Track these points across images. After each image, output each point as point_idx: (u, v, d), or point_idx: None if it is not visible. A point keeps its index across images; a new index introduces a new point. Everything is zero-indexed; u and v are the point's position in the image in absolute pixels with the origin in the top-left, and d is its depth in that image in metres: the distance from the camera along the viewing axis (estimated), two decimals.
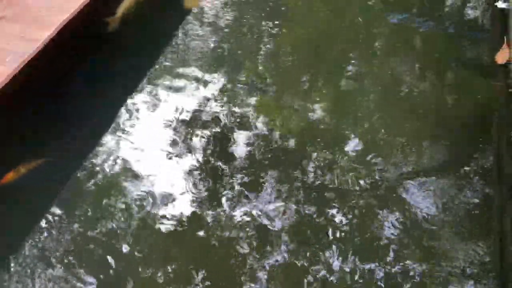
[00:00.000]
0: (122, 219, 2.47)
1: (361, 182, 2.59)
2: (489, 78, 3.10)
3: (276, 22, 3.64)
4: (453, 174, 2.63)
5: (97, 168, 2.72)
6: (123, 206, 2.53)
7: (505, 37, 3.22)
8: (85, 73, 3.26)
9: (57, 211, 2.51)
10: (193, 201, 2.57)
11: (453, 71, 3.29)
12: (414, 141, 2.80)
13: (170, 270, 2.27)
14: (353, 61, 3.32)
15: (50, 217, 2.47)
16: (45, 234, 2.39)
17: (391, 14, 3.63)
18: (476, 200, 2.49)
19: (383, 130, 2.88)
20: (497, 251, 2.25)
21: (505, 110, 2.84)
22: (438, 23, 3.57)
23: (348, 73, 3.25)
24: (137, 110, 3.09)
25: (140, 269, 2.26)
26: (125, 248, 2.33)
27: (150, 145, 2.88)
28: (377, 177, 2.61)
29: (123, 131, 2.95)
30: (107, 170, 2.72)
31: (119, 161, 2.77)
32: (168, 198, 2.57)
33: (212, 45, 3.53)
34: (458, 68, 3.28)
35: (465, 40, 3.48)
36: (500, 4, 3.49)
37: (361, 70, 3.26)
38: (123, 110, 3.08)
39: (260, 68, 3.36)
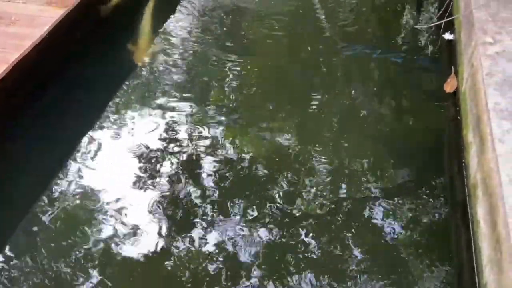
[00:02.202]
0: (85, 250, 2.41)
1: (327, 205, 2.68)
2: (439, 106, 3.30)
3: (239, 53, 3.74)
4: (412, 196, 2.77)
5: (59, 199, 2.65)
6: (86, 237, 2.47)
7: (452, 67, 3.44)
8: (41, 106, 3.20)
9: (18, 240, 2.44)
10: (159, 231, 2.54)
11: (407, 98, 3.48)
12: (375, 165, 2.92)
13: None
14: (314, 89, 3.45)
15: (8, 249, 2.40)
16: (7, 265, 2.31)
17: (347, 45, 3.81)
18: (433, 221, 2.63)
19: (345, 155, 3.00)
20: (455, 271, 2.37)
21: (454, 136, 3.02)
22: (392, 52, 3.78)
23: (310, 101, 3.36)
24: (100, 140, 3.06)
25: None
26: (89, 282, 2.27)
27: (114, 173, 2.85)
28: (342, 200, 2.71)
29: (86, 160, 2.91)
30: (69, 200, 2.65)
31: (81, 190, 2.71)
32: (133, 229, 2.54)
33: (177, 75, 3.57)
34: (412, 95, 3.47)
35: (416, 69, 3.70)
36: (447, 36, 3.73)
37: (322, 97, 3.38)
38: (85, 139, 3.04)
39: (226, 96, 3.42)
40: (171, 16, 4.09)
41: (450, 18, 3.50)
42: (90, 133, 3.08)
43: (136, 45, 3.67)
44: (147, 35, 3.73)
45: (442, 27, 3.70)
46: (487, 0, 3.28)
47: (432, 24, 3.83)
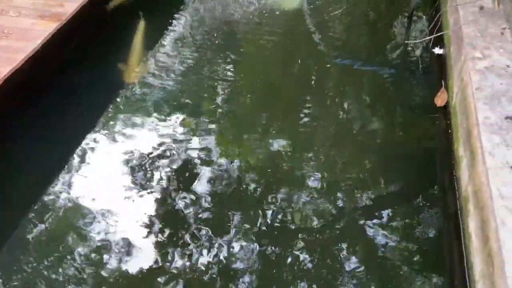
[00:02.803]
0: (76, 263, 2.40)
1: (319, 217, 2.68)
2: (430, 119, 3.33)
3: (232, 67, 3.78)
4: (404, 210, 2.78)
5: (49, 210, 2.65)
6: (76, 250, 2.45)
7: (442, 81, 3.48)
8: (34, 116, 3.19)
9: (9, 251, 2.44)
10: (152, 243, 2.53)
11: (398, 111, 3.51)
12: (367, 178, 2.93)
13: None
14: (307, 102, 3.47)
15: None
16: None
17: (339, 58, 3.85)
18: (425, 235, 2.64)
19: (337, 167, 3.01)
20: (448, 286, 2.37)
21: (445, 149, 3.04)
22: (383, 66, 3.82)
23: (303, 113, 3.38)
24: (92, 150, 3.06)
25: None
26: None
27: (107, 183, 2.86)
28: (335, 212, 2.72)
29: (78, 170, 2.91)
30: (59, 212, 2.65)
31: (72, 202, 2.71)
32: (125, 241, 2.52)
33: (170, 89, 3.58)
34: (403, 108, 3.50)
35: (408, 82, 3.74)
36: (437, 50, 3.79)
37: (315, 110, 3.41)
38: (77, 149, 3.04)
39: (219, 107, 3.44)
40: (164, 33, 4.12)
41: (440, 34, 3.56)
42: (81, 145, 3.08)
43: (127, 65, 3.64)
44: (138, 55, 3.71)
45: (431, 42, 3.75)
46: (476, 16, 3.35)
47: (422, 40, 3.89)
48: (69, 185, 2.82)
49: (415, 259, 2.50)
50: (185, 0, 4.56)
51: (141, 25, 3.97)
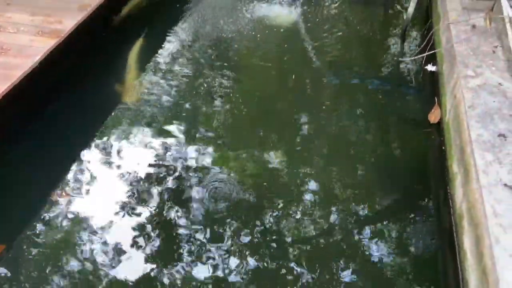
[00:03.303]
0: (70, 281, 2.39)
1: (315, 231, 2.71)
2: (425, 135, 3.37)
3: (229, 81, 3.82)
4: (399, 225, 2.80)
5: (44, 227, 2.66)
6: (71, 267, 2.46)
7: (435, 97, 3.54)
8: (34, 133, 3.21)
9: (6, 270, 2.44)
10: (148, 259, 2.53)
11: (393, 127, 3.55)
12: (362, 193, 2.96)
13: None
14: (302, 116, 3.51)
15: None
16: None
17: (334, 74, 3.91)
18: (420, 251, 2.66)
19: (332, 182, 3.04)
20: None
21: (439, 165, 3.08)
22: (377, 82, 3.87)
23: (297, 127, 3.43)
24: (90, 165, 3.08)
25: None
26: None
27: (103, 198, 2.87)
28: (329, 227, 2.74)
29: (73, 187, 2.92)
30: (55, 229, 2.66)
31: (68, 219, 2.72)
32: (121, 258, 2.53)
33: (166, 104, 3.62)
34: (398, 124, 3.55)
35: (402, 98, 3.79)
36: (430, 67, 3.84)
37: (310, 124, 3.45)
38: (73, 165, 3.06)
39: (216, 122, 3.47)
40: (162, 47, 4.17)
41: (432, 52, 3.62)
42: (79, 158, 3.11)
43: (124, 85, 3.65)
44: (134, 74, 3.72)
45: (424, 60, 3.81)
46: (468, 35, 3.42)
47: (415, 58, 3.95)
48: (63, 202, 2.82)
49: (410, 275, 2.52)
50: (184, 14, 4.63)
51: (138, 43, 4.01)
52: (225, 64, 3.97)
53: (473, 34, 3.42)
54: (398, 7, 4.80)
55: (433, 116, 3.37)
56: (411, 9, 4.08)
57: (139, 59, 3.85)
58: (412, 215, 2.86)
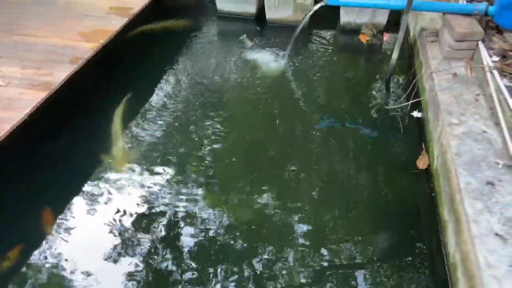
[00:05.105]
0: None
1: (310, 274, 2.66)
2: (414, 180, 3.39)
3: (218, 125, 3.87)
4: (393, 268, 2.76)
5: (30, 271, 2.63)
6: None
7: (423, 143, 3.59)
8: (20, 186, 3.17)
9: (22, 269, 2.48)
10: None
11: (383, 171, 3.55)
12: (356, 233, 2.95)
13: None
14: (293, 160, 3.53)
15: None
16: None
17: (323, 120, 3.97)
18: None
19: (326, 224, 3.02)
20: None
21: (430, 212, 3.08)
22: (365, 127, 3.93)
23: (289, 171, 3.44)
24: (77, 212, 3.05)
25: None
26: None
27: (92, 243, 2.84)
28: (325, 268, 2.71)
29: (60, 230, 2.90)
30: (41, 274, 2.64)
31: (55, 264, 2.69)
32: None
33: (156, 145, 3.66)
34: (388, 168, 3.55)
35: (390, 143, 3.82)
36: (416, 114, 3.93)
37: (301, 167, 3.46)
38: (64, 207, 3.05)
39: (206, 164, 3.47)
40: (148, 99, 4.22)
41: (417, 100, 3.71)
42: (68, 205, 3.08)
43: (111, 155, 3.55)
44: (119, 142, 3.63)
45: (410, 106, 3.91)
46: (450, 83, 3.53)
47: (400, 106, 4.05)
48: (52, 251, 2.77)
49: None
50: (172, 63, 4.73)
51: (120, 110, 3.95)
52: (216, 110, 4.04)
53: (455, 82, 3.53)
54: (382, 55, 4.97)
55: (421, 163, 3.40)
56: (394, 56, 4.23)
57: (122, 125, 3.83)
58: (406, 263, 2.82)
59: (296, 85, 4.48)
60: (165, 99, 4.20)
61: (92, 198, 3.17)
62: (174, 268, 2.72)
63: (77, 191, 3.22)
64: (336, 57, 4.97)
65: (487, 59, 3.46)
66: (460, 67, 3.70)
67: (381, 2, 4.38)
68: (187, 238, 2.90)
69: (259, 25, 5.62)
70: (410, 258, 2.85)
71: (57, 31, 4.28)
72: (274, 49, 5.05)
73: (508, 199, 2.47)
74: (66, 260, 2.74)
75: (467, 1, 4.14)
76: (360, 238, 2.93)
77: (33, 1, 4.93)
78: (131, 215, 3.05)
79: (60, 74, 3.63)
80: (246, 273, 2.67)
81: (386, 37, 5.30)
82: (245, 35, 5.10)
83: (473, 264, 2.21)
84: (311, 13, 4.59)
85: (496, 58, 3.47)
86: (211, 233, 2.93)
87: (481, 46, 3.61)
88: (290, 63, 4.79)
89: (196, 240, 2.89)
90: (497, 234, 2.28)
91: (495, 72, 3.28)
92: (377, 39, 5.23)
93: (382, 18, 5.32)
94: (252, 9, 5.67)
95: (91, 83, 4.14)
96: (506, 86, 3.12)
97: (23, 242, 2.84)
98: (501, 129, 2.94)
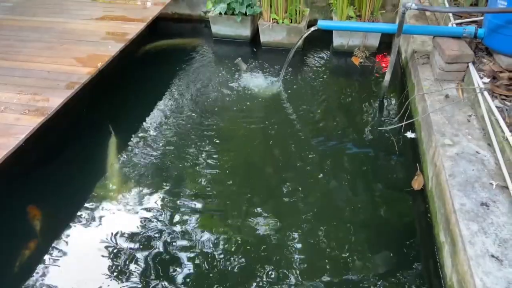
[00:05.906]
0: None
1: None
2: (410, 201, 3.40)
3: (214, 148, 3.89)
4: (391, 286, 2.75)
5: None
6: None
7: (417, 164, 3.62)
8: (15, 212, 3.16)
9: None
10: None
11: (379, 191, 3.56)
12: (353, 253, 2.94)
13: None
14: (290, 181, 3.54)
15: None
16: None
17: (318, 141, 4.00)
18: None
19: (325, 244, 3.02)
20: None
21: (427, 233, 3.08)
22: (360, 148, 3.96)
23: (286, 192, 3.44)
24: (69, 238, 3.03)
25: None
26: None
27: (85, 270, 2.81)
28: None
29: (52, 257, 2.87)
30: None
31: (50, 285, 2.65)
32: None
33: (152, 166, 3.66)
34: (383, 188, 3.57)
35: (385, 163, 3.85)
36: (409, 135, 3.97)
37: (298, 189, 3.46)
38: (54, 241, 3.00)
39: (201, 187, 3.47)
40: (142, 124, 4.25)
41: (410, 121, 3.75)
42: (58, 233, 3.05)
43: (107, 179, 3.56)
44: (116, 175, 3.61)
45: (403, 127, 3.95)
46: (442, 104, 3.58)
47: (394, 127, 4.09)
48: (44, 275, 2.74)
49: None
50: (168, 85, 4.78)
51: (113, 141, 3.96)
52: (211, 132, 4.07)
53: (447, 103, 3.59)
54: (375, 77, 5.04)
55: (416, 183, 3.42)
56: (386, 78, 4.29)
57: (118, 147, 3.86)
58: (403, 285, 2.81)
59: (291, 106, 4.53)
60: (160, 123, 4.23)
61: (86, 224, 3.15)
62: None
63: (70, 217, 3.20)
64: (330, 79, 5.04)
65: (478, 80, 3.53)
66: (452, 89, 3.76)
67: (372, 26, 4.47)
68: (184, 261, 2.89)
69: (253, 48, 5.71)
70: (407, 280, 2.84)
71: (54, 56, 4.33)
72: (268, 71, 5.13)
73: (502, 220, 2.49)
74: None
75: (456, 24, 4.24)
76: (356, 259, 2.92)
77: (30, 27, 4.99)
78: (125, 238, 3.03)
79: (56, 100, 3.65)
80: None
81: (379, 59, 5.40)
82: (240, 58, 5.17)
83: (470, 287, 2.21)
84: (304, 36, 4.68)
85: (486, 80, 3.53)
86: (208, 256, 2.92)
87: (472, 68, 3.68)
88: (284, 85, 4.85)
89: (193, 263, 2.87)
90: (492, 256, 2.29)
91: (486, 94, 3.34)
92: (370, 62, 5.32)
93: (374, 40, 5.43)
94: (246, 32, 5.77)
95: (86, 107, 4.16)
96: (497, 107, 3.17)
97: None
98: (493, 149, 2.98)
